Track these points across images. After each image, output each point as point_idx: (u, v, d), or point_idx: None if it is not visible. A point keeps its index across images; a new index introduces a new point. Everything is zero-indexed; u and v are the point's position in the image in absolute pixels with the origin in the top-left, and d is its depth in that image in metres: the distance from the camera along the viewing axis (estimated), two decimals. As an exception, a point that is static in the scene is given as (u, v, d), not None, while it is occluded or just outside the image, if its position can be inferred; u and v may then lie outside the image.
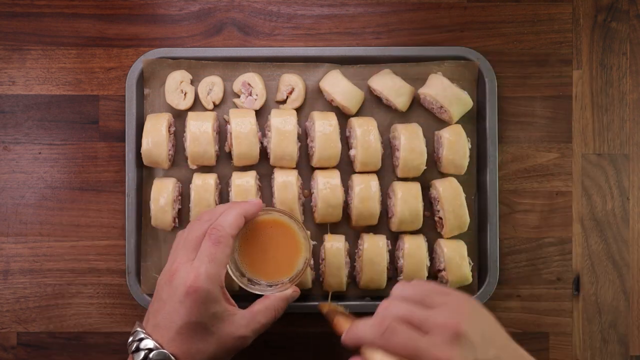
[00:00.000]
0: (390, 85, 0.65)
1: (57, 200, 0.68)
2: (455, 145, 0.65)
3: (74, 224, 0.68)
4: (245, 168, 0.66)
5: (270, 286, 0.58)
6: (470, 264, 0.65)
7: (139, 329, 0.51)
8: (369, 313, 0.69)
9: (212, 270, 0.51)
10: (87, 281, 0.68)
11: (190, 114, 0.65)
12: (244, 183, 0.64)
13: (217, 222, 0.53)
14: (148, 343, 0.49)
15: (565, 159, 0.69)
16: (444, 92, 0.65)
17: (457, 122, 0.67)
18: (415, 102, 0.68)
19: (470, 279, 0.65)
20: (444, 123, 0.68)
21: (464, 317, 0.44)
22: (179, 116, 0.68)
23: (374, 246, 0.64)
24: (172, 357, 0.49)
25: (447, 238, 0.66)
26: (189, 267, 0.51)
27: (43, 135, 0.68)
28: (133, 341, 0.50)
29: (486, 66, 0.67)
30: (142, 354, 0.49)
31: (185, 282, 0.50)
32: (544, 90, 0.69)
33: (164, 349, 0.49)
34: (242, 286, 0.57)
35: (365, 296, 0.67)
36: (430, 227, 0.67)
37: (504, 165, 0.69)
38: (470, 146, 0.65)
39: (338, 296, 0.67)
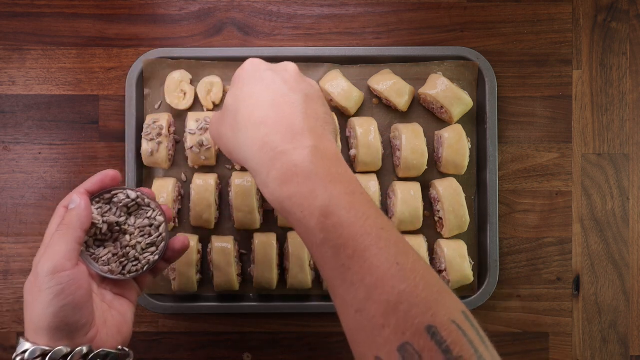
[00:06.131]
0: (390, 85, 0.65)
1: (57, 200, 0.68)
2: (456, 145, 0.65)
3: (74, 224, 0.68)
4: (245, 168, 0.66)
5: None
6: (471, 263, 0.65)
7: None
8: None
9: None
10: (87, 281, 0.68)
11: (190, 114, 0.65)
12: (244, 183, 0.64)
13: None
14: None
15: (565, 159, 0.69)
16: (444, 92, 0.65)
17: (457, 122, 0.67)
18: (415, 102, 0.68)
19: (472, 279, 0.65)
20: (444, 123, 0.68)
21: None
22: (179, 116, 0.68)
23: (374, 246, 0.64)
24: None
25: (447, 238, 0.66)
26: None
27: (43, 135, 0.68)
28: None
29: (486, 66, 0.67)
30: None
31: None
32: (544, 90, 0.69)
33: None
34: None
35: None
36: (430, 227, 0.67)
37: (504, 165, 0.69)
38: (470, 146, 0.65)
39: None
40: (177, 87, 0.66)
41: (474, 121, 0.68)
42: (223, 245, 0.64)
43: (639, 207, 0.69)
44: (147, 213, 0.52)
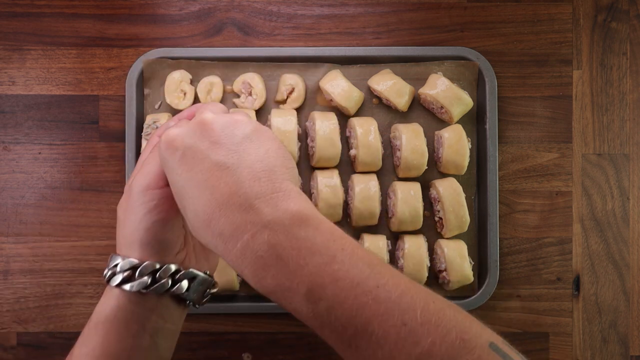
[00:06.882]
0: (390, 85, 0.65)
1: (57, 200, 0.68)
2: (456, 145, 0.65)
3: (74, 224, 0.68)
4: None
5: None
6: (471, 263, 0.65)
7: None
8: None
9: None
10: (87, 281, 0.68)
11: (190, 114, 0.65)
12: (244, 183, 0.64)
13: None
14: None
15: (565, 159, 0.69)
16: (444, 92, 0.65)
17: (457, 122, 0.67)
18: (415, 102, 0.68)
19: (472, 279, 0.65)
20: (444, 123, 0.68)
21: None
22: (179, 116, 0.68)
23: (374, 246, 0.64)
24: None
25: (447, 238, 0.66)
26: None
27: (43, 135, 0.68)
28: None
29: (486, 66, 0.67)
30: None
31: None
32: (544, 90, 0.69)
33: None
34: None
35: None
36: (430, 227, 0.67)
37: (504, 165, 0.69)
38: (470, 146, 0.65)
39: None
40: (177, 87, 0.66)
41: (474, 121, 0.68)
42: (223, 245, 0.64)
43: (639, 207, 0.69)
44: None
